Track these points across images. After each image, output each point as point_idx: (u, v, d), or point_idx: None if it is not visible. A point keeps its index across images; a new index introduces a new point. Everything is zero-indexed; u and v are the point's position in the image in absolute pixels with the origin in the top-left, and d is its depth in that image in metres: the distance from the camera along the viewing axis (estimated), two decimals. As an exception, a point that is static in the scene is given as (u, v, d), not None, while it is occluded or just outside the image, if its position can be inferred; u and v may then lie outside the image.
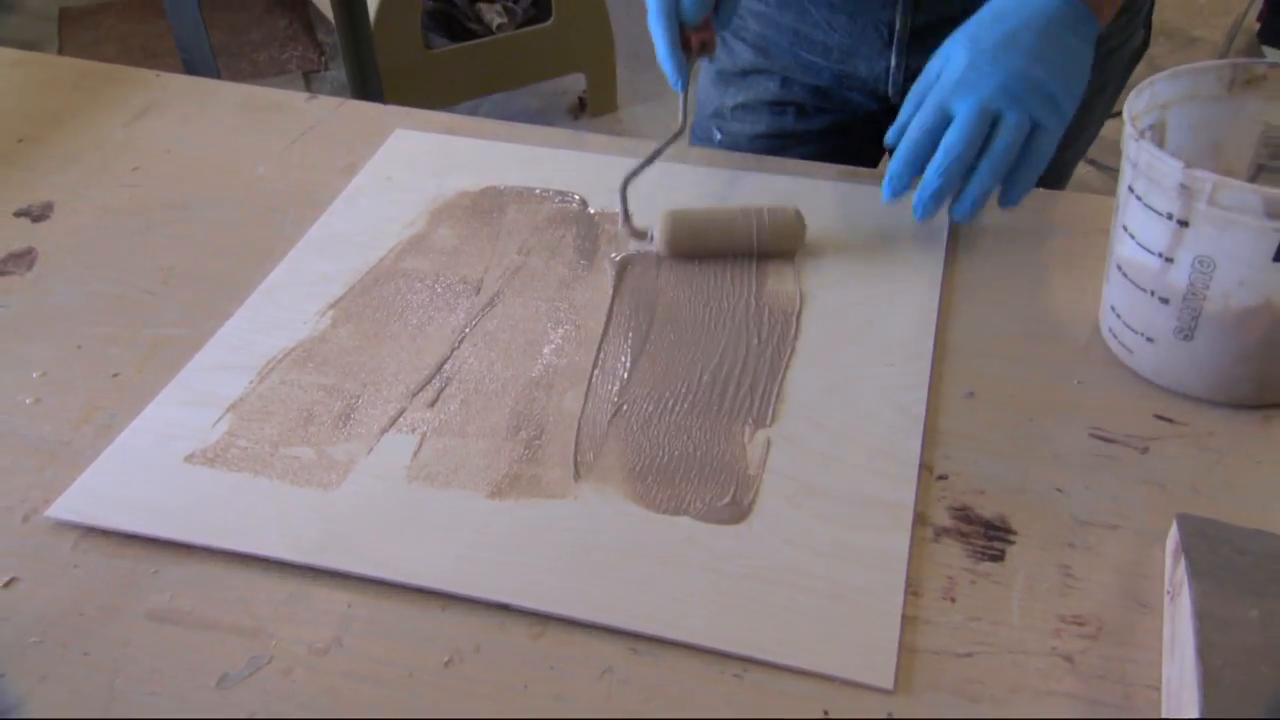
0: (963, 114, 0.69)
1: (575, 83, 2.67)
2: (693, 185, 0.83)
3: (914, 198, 0.71)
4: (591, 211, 0.81)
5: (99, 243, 0.78)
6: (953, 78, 0.70)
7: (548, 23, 2.48)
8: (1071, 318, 0.71)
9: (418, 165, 0.86)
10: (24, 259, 0.76)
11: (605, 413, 0.64)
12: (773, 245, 0.75)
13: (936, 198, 0.71)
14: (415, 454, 0.62)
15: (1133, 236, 0.62)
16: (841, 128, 0.99)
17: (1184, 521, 0.55)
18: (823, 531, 0.57)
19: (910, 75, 0.87)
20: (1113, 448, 0.62)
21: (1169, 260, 0.61)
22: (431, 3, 2.44)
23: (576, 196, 0.82)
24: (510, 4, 2.51)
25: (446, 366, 0.67)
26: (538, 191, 0.83)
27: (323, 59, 2.84)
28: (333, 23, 2.05)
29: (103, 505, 0.59)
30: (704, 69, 1.04)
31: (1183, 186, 0.58)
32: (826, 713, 0.50)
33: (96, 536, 0.58)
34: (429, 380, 0.66)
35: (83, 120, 0.91)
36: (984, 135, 0.69)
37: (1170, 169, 0.58)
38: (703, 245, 0.75)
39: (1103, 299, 0.69)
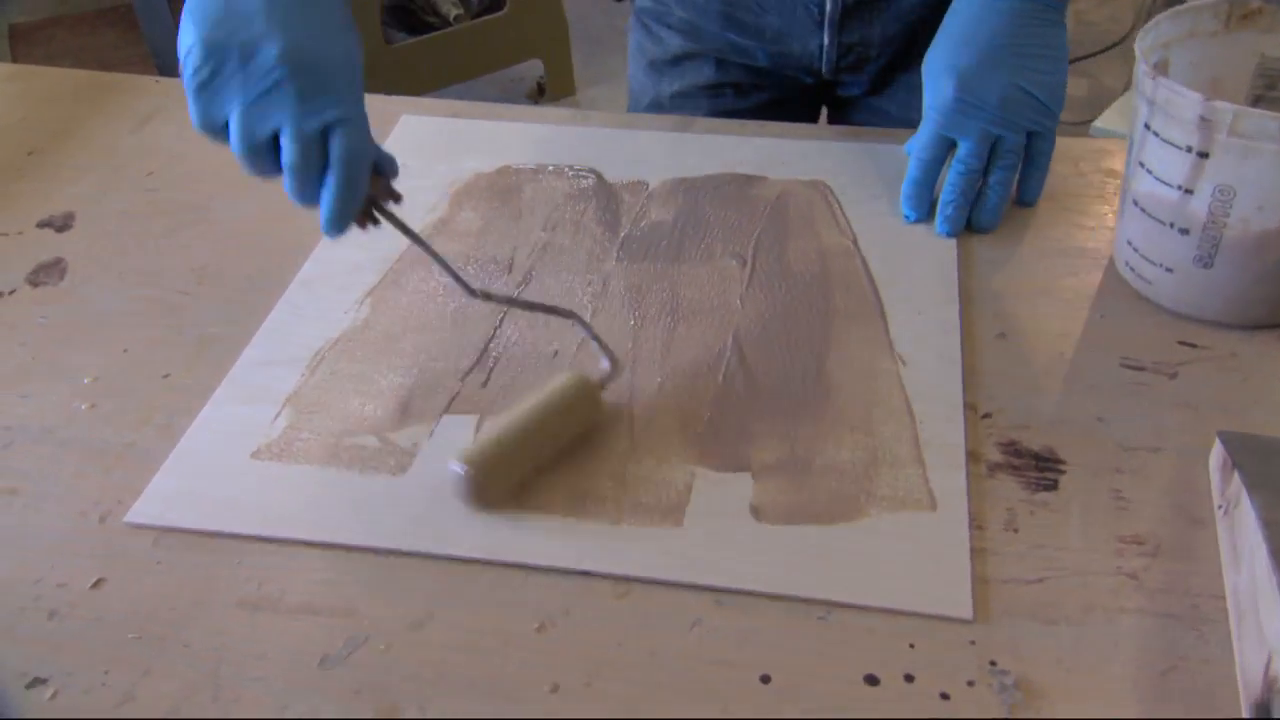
0: (964, 150, 0.73)
1: (533, 69, 2.65)
2: (695, 153, 0.83)
3: (937, 221, 0.74)
4: (610, 181, 0.80)
5: (126, 248, 0.76)
6: (945, 108, 0.72)
7: (503, 11, 2.45)
8: (1086, 256, 0.72)
9: (429, 150, 0.85)
10: (54, 269, 0.74)
11: (653, 379, 0.64)
12: (578, 419, 0.61)
13: (955, 220, 0.74)
14: (476, 433, 0.61)
15: (1150, 172, 0.63)
16: (779, 102, 0.97)
17: (1227, 439, 0.56)
18: (886, 478, 0.57)
19: (843, 51, 0.89)
20: (1143, 375, 0.63)
21: (1189, 192, 0.61)
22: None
23: (591, 171, 0.82)
24: (465, -4, 2.48)
25: (491, 346, 0.67)
26: (551, 168, 0.82)
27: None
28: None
29: (179, 507, 0.58)
30: (634, 60, 1.01)
31: (1202, 119, 0.58)
32: (912, 646, 0.50)
33: (175, 534, 0.57)
34: (478, 362, 0.66)
35: (90, 129, 0.89)
36: (986, 157, 0.73)
37: (1190, 102, 0.58)
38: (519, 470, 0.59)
39: (1116, 236, 0.70)
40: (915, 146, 0.75)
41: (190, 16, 0.54)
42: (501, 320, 0.69)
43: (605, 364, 0.62)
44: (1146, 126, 0.63)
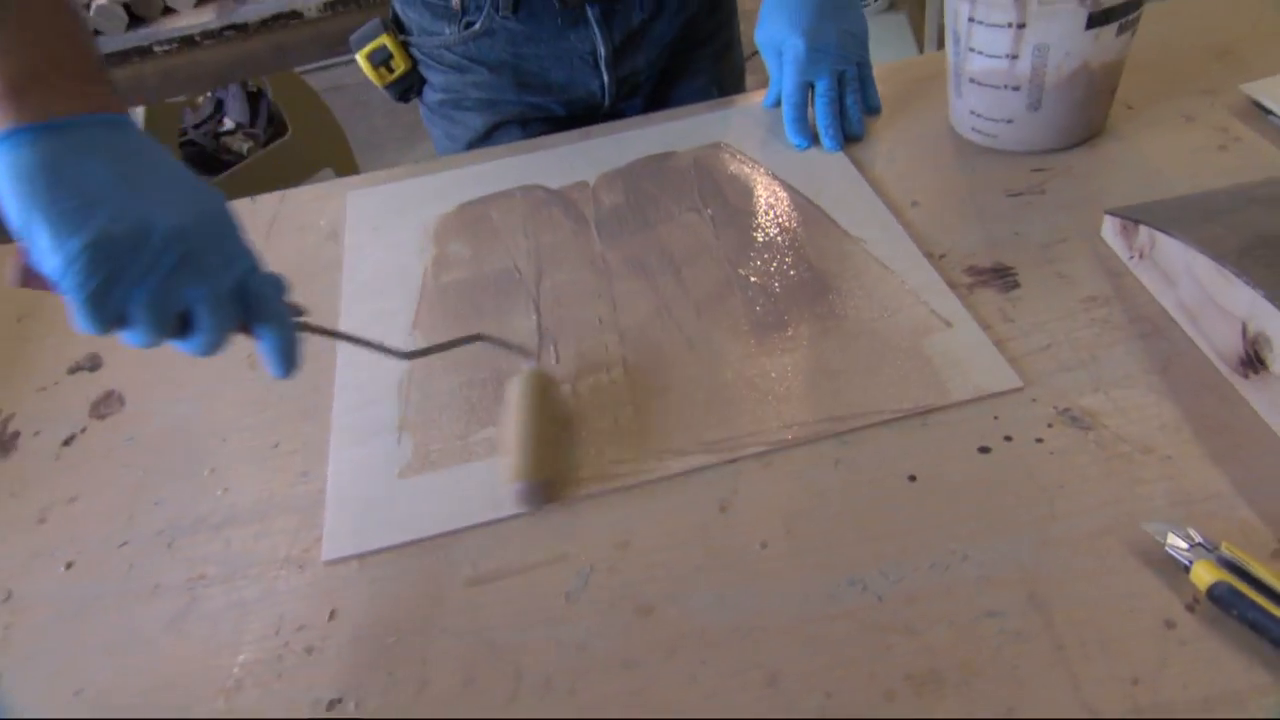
0: (822, 86, 0.78)
1: (326, 175, 2.53)
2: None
3: (824, 143, 0.79)
4: (556, 189, 0.79)
5: (165, 366, 0.68)
6: (801, 60, 0.78)
7: (287, 136, 2.33)
8: (934, 134, 0.78)
9: (389, 211, 0.81)
10: (111, 399, 0.65)
11: (690, 314, 0.64)
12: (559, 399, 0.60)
13: (837, 136, 0.78)
14: (574, 393, 0.60)
15: (981, 53, 0.70)
16: (578, 120, 0.93)
17: (1113, 211, 0.63)
18: (905, 317, 0.61)
19: (620, 84, 0.90)
20: (1024, 197, 0.70)
21: (1014, 58, 0.68)
22: (185, 149, 2.22)
23: (536, 185, 0.80)
24: (250, 130, 2.33)
25: (544, 329, 0.65)
26: (500, 194, 0.80)
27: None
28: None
29: (363, 534, 0.53)
30: (445, 145, 0.95)
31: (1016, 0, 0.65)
32: (996, 418, 0.54)
33: (373, 555, 0.52)
34: (540, 345, 0.64)
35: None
36: (838, 88, 0.78)
37: (1005, -10, 0.65)
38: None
39: (955, 112, 0.77)
40: (785, 92, 0.79)
41: (46, 225, 0.41)
42: (538, 308, 0.67)
43: (528, 364, 0.61)
44: (971, 19, 0.69)
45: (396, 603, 0.50)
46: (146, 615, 0.51)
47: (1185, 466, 0.50)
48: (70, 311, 0.43)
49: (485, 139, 0.93)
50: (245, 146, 2.29)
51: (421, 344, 0.66)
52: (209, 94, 2.32)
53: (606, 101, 0.91)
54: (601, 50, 0.86)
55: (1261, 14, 0.86)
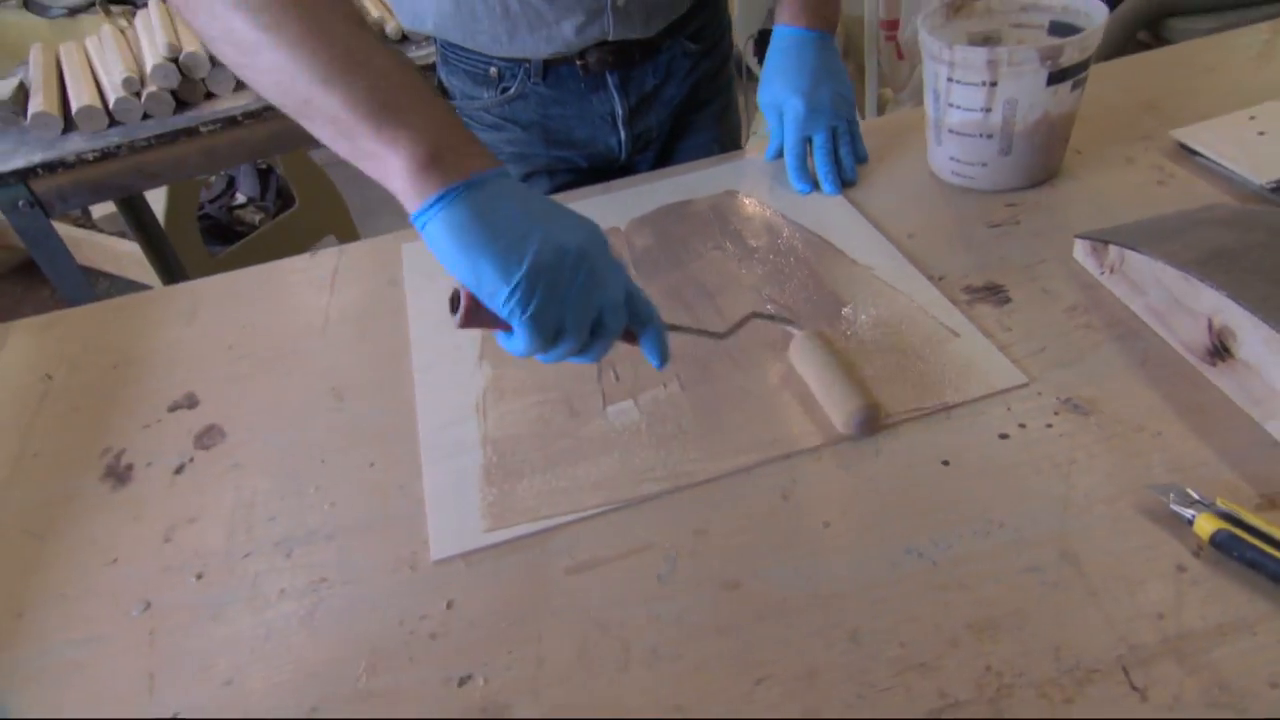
0: (819, 139, 0.84)
1: (329, 242, 2.55)
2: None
3: (824, 187, 0.84)
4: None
5: (256, 401, 0.70)
6: (801, 117, 0.84)
7: (295, 208, 2.35)
8: (917, 180, 0.84)
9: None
10: (213, 432, 0.67)
11: (734, 338, 0.68)
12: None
13: (835, 182, 0.84)
14: (636, 406, 0.63)
15: (959, 107, 0.76)
16: (598, 171, 0.97)
17: (1082, 235, 0.68)
18: (917, 330, 0.65)
19: (634, 140, 0.94)
20: (1003, 227, 0.75)
21: (988, 110, 0.74)
22: (202, 222, 2.23)
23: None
24: (260, 203, 2.35)
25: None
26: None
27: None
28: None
29: (465, 535, 0.55)
30: None
31: (989, 62, 0.71)
32: (1009, 409, 0.58)
33: (477, 553, 0.54)
34: (600, 370, 0.67)
35: (147, 335, 0.79)
36: (833, 140, 0.84)
37: (979, 55, 0.71)
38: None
39: (934, 159, 0.82)
40: (788, 145, 0.84)
41: (491, 262, 0.47)
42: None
43: (796, 329, 0.65)
44: (950, 79, 0.75)
45: (506, 592, 0.52)
46: (278, 615, 0.52)
47: (1173, 440, 0.54)
48: (506, 339, 0.50)
49: None
50: (257, 218, 2.30)
51: (489, 371, 0.69)
52: (221, 172, 2.34)
53: (623, 156, 0.96)
54: (619, 111, 0.91)
55: (1178, 75, 0.94)
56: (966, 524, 0.51)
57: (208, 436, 0.67)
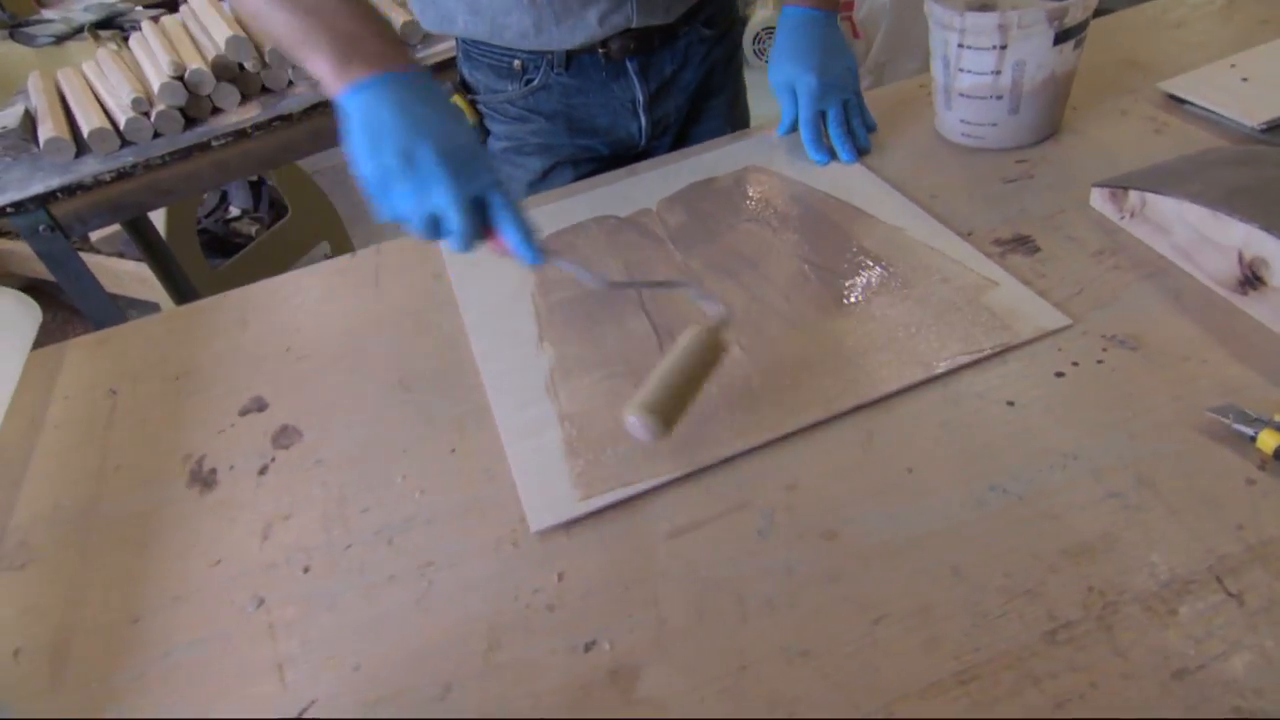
0: (833, 112, 0.83)
1: (323, 248, 2.49)
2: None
3: (842, 157, 0.82)
4: (625, 217, 0.81)
5: (326, 399, 0.67)
6: (815, 92, 0.82)
7: (288, 217, 2.28)
8: (927, 143, 0.83)
9: (481, 249, 0.81)
10: (290, 432, 0.64)
11: (779, 296, 0.67)
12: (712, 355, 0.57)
13: (851, 151, 0.82)
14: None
15: (969, 72, 0.75)
16: (619, 158, 0.96)
17: (1099, 183, 0.68)
18: (958, 282, 0.64)
19: (653, 126, 0.93)
20: (1019, 181, 0.75)
21: (998, 73, 0.74)
22: (201, 236, 2.16)
23: (608, 215, 0.82)
24: (254, 215, 2.28)
25: (657, 325, 0.67)
26: (577, 225, 0.81)
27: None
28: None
29: (560, 504, 0.54)
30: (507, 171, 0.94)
31: (1000, 26, 0.71)
32: (1060, 349, 0.58)
33: (576, 522, 0.53)
34: (658, 340, 0.66)
35: (203, 344, 0.76)
36: (845, 113, 0.83)
37: (990, 20, 0.71)
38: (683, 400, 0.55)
39: (944, 122, 0.82)
40: (803, 119, 0.82)
41: (357, 151, 0.56)
42: (646, 313, 0.68)
43: (715, 309, 0.59)
44: (960, 45, 0.74)
45: (613, 559, 0.50)
46: (392, 600, 0.51)
47: (1218, 366, 0.55)
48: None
49: (543, 179, 0.94)
50: (253, 229, 2.24)
51: (552, 351, 0.67)
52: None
53: (643, 142, 0.94)
54: (640, 97, 0.89)
55: (1149, 32, 0.94)
56: (1042, 459, 0.51)
57: (284, 436, 0.64)
